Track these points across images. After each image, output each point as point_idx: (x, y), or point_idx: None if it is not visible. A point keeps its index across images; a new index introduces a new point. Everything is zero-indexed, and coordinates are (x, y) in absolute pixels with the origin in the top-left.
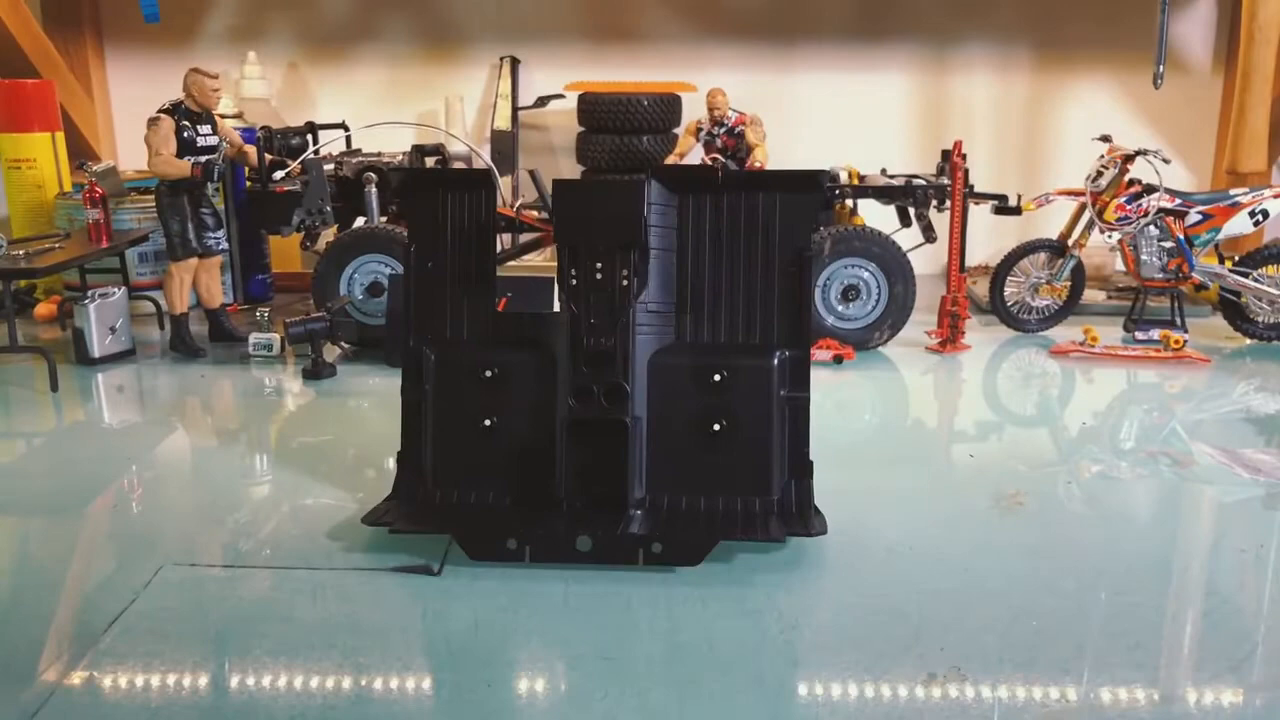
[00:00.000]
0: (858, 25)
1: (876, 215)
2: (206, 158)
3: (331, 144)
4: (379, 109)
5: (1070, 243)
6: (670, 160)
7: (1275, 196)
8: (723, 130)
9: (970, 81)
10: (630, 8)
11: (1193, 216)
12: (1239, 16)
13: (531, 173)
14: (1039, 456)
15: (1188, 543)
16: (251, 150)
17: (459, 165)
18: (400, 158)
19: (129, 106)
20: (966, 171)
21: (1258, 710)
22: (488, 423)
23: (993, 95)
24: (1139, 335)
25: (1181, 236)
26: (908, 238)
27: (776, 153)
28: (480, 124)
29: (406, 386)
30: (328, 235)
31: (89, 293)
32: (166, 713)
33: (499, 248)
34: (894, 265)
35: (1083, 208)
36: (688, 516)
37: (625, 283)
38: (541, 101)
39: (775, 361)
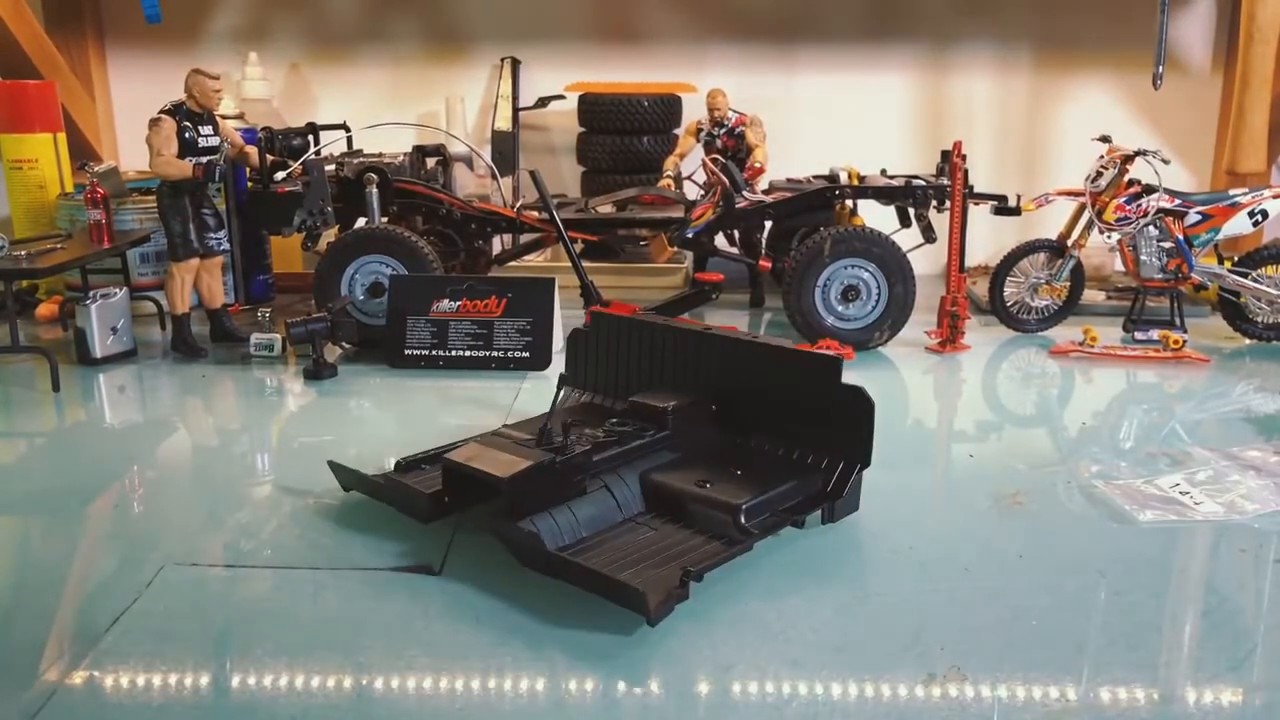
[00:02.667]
0: (858, 26)
1: (876, 216)
2: (208, 158)
3: (333, 145)
4: (380, 110)
5: (1070, 243)
6: (670, 160)
7: (1274, 197)
8: (723, 131)
9: (970, 82)
10: (631, 8)
11: (1192, 217)
12: (1238, 17)
13: (532, 173)
14: (1039, 456)
15: (1188, 542)
16: (253, 151)
17: (460, 165)
18: (401, 158)
19: (130, 107)
20: (966, 172)
21: (1258, 710)
22: None
23: (993, 96)
24: (1138, 335)
25: (1181, 237)
26: (907, 238)
27: (776, 153)
28: (481, 124)
29: None
30: (329, 236)
31: (90, 293)
32: (168, 712)
33: (499, 248)
34: (894, 266)
35: (1082, 208)
36: None
37: None
38: (542, 102)
39: None
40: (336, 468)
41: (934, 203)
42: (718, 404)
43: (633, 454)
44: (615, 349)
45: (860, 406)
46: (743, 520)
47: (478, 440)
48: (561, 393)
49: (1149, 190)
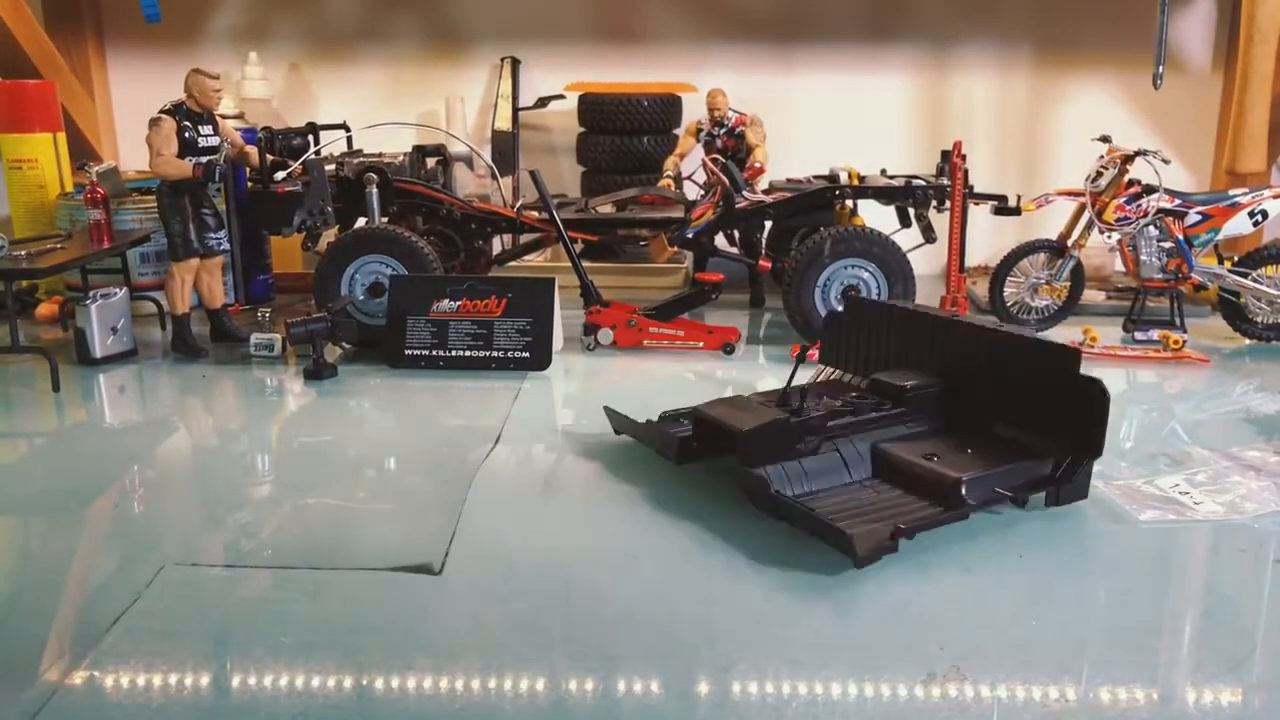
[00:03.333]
0: (858, 26)
1: (876, 216)
2: (208, 158)
3: (332, 144)
4: (380, 109)
5: (1070, 243)
6: (670, 160)
7: (1274, 197)
8: (723, 131)
9: (970, 82)
10: (631, 8)
11: (1192, 217)
12: (1238, 17)
13: (532, 173)
14: None
15: (1187, 542)
16: (253, 151)
17: (460, 165)
18: (401, 158)
19: (130, 107)
20: (966, 172)
21: (1257, 710)
22: None
23: (992, 96)
24: (1138, 336)
25: (1181, 237)
26: (907, 238)
27: (776, 153)
28: (481, 124)
29: None
30: (329, 236)
31: (90, 293)
32: (168, 712)
33: (499, 248)
34: (894, 266)
35: (1082, 208)
36: None
37: None
38: (542, 102)
39: None
40: (610, 412)
41: (934, 203)
42: (957, 386)
43: (866, 425)
44: (868, 331)
45: (1097, 398)
46: (963, 492)
47: (725, 400)
48: (826, 369)
49: (1149, 190)
